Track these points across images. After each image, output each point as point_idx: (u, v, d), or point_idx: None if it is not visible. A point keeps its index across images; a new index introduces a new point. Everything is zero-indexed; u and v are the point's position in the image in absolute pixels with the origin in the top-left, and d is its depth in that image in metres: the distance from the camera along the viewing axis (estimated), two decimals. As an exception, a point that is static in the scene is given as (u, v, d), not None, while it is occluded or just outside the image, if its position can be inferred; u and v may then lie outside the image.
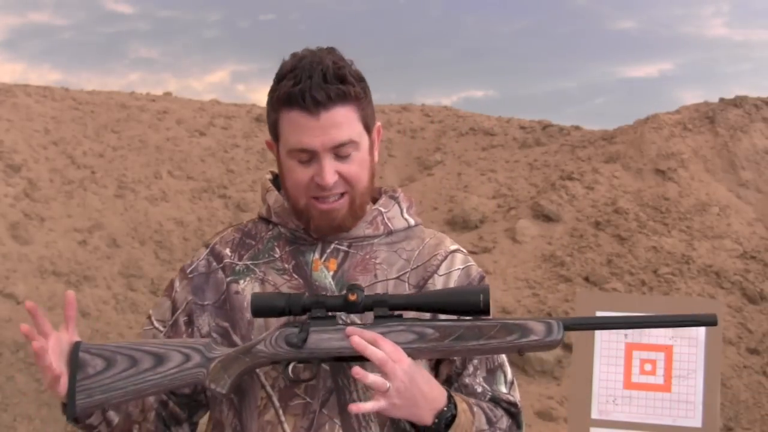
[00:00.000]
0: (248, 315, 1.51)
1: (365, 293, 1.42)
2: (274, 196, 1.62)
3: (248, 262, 1.58)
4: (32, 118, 9.64)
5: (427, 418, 1.41)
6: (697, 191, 8.78)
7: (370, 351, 1.36)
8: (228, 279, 1.58)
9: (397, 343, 1.38)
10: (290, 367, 1.44)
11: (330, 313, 1.43)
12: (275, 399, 1.49)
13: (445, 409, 1.43)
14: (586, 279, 7.84)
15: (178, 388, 1.52)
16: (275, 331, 1.43)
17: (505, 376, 1.60)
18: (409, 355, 1.39)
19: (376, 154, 1.59)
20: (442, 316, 1.46)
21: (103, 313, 7.55)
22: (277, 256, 1.58)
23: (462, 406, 1.46)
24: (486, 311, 1.40)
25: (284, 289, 1.53)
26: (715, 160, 9.29)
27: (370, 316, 1.45)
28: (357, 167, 1.52)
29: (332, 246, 1.56)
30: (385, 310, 1.42)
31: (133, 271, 8.16)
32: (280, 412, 1.48)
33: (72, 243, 8.20)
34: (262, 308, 1.43)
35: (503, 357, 1.61)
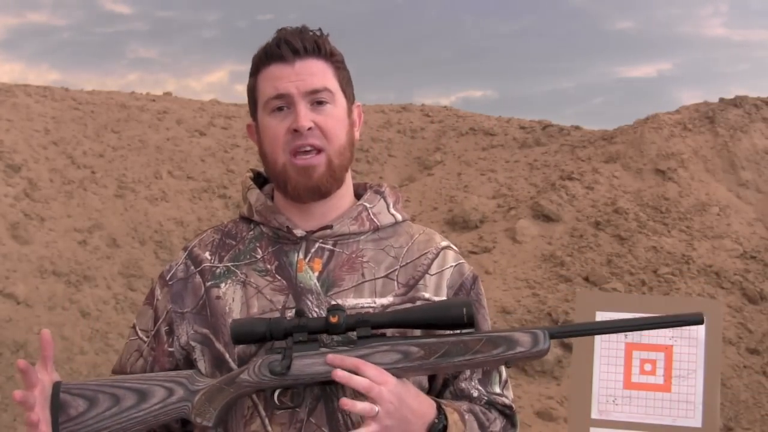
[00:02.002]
0: (231, 320, 1.47)
1: (347, 313, 1.39)
2: (255, 194, 1.58)
3: (229, 264, 1.54)
4: (32, 118, 9.64)
5: None
6: (697, 191, 8.78)
7: (355, 382, 1.34)
8: (208, 284, 1.54)
9: (382, 364, 1.37)
10: (276, 395, 1.41)
11: (312, 336, 1.40)
12: (261, 408, 1.45)
13: (436, 421, 1.41)
14: (586, 279, 7.84)
15: (164, 423, 1.49)
16: (258, 359, 1.40)
17: (500, 376, 1.59)
18: (394, 375, 1.37)
19: (357, 132, 1.58)
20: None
21: (103, 313, 7.55)
22: (259, 256, 1.53)
23: (453, 417, 1.44)
24: (470, 324, 1.38)
25: (267, 291, 1.49)
26: (715, 160, 9.29)
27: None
28: (333, 121, 1.51)
29: (317, 245, 1.52)
30: (367, 330, 1.39)
31: (133, 271, 8.16)
32: (266, 421, 1.45)
33: (72, 243, 8.20)
34: (243, 335, 1.39)
35: None
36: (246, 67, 1.57)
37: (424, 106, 12.22)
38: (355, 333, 1.40)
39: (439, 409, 1.43)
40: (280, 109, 1.50)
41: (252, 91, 1.55)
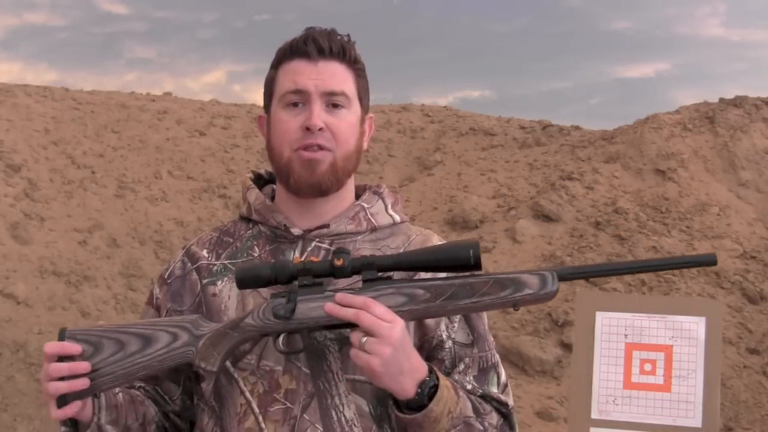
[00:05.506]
0: (226, 318, 1.48)
1: (351, 256, 1.37)
2: (254, 194, 1.59)
3: (226, 261, 1.55)
4: (32, 118, 9.64)
5: (409, 387, 1.36)
6: (697, 191, 8.78)
7: (362, 319, 1.32)
8: (204, 281, 1.54)
9: (388, 307, 1.34)
10: (280, 339, 1.40)
11: (317, 280, 1.39)
12: (254, 405, 1.45)
13: (427, 379, 1.38)
14: (586, 279, 7.83)
15: (168, 369, 1.49)
16: (263, 303, 1.39)
17: (499, 378, 1.56)
18: (401, 317, 1.35)
19: (365, 141, 1.58)
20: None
21: (103, 313, 7.54)
22: (256, 255, 1.54)
23: (444, 381, 1.41)
24: (477, 266, 1.35)
25: (263, 289, 1.48)
26: (715, 160, 9.29)
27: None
28: (345, 125, 1.51)
29: (313, 244, 1.52)
30: (373, 273, 1.37)
31: (133, 271, 8.16)
32: (260, 418, 1.45)
33: (72, 243, 8.20)
34: (247, 279, 1.39)
35: (497, 357, 1.58)
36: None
37: (424, 106, 12.22)
38: (360, 277, 1.38)
39: (431, 370, 1.40)
40: (295, 104, 1.50)
41: (270, 83, 1.56)
